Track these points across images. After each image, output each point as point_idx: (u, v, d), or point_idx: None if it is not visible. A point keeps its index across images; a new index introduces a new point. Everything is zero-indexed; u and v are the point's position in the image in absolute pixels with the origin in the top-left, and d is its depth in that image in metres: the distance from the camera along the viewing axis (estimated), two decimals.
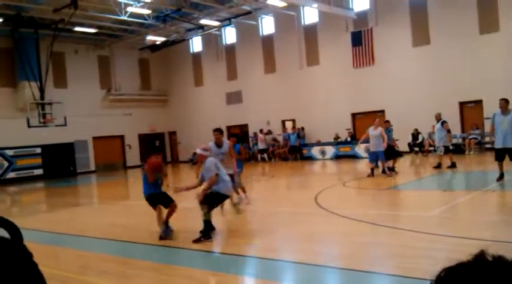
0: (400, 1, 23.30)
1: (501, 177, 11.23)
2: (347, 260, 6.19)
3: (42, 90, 25.73)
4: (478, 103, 21.10)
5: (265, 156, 26.52)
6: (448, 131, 15.63)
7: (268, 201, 12.29)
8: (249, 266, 6.49)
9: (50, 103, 25.98)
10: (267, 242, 7.47)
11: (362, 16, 24.43)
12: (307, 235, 7.90)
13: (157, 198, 8.38)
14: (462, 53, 21.32)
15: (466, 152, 20.36)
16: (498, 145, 11.11)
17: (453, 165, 15.11)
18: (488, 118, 20.23)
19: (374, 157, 14.39)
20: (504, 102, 10.97)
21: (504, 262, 0.89)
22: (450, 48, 21.62)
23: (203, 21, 26.45)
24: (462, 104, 21.92)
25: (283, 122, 27.92)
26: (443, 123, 15.31)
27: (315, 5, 22.70)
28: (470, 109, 21.81)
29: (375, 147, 14.08)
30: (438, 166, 15.19)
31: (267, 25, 28.54)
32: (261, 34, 28.77)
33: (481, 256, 0.91)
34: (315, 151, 24.62)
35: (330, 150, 23.93)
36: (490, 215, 8.43)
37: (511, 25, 20.18)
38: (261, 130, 27.08)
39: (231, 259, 6.79)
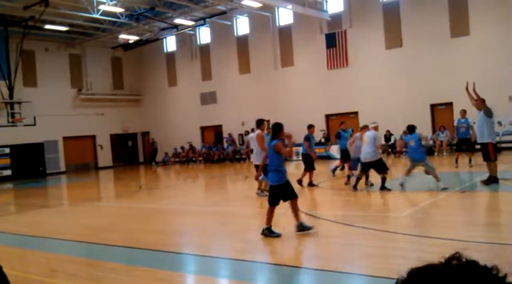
0: (374, 4, 23.59)
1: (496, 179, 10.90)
2: (321, 261, 6.17)
3: (11, 89, 25.11)
4: (449, 105, 21.48)
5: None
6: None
7: (242, 202, 12.23)
8: (221, 268, 6.42)
9: (19, 103, 25.39)
10: (241, 243, 7.41)
11: (336, 18, 24.63)
12: (281, 236, 7.87)
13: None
14: (433, 56, 21.70)
15: (436, 154, 20.69)
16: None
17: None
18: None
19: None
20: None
21: (476, 267, 0.85)
22: (422, 51, 21.98)
23: (177, 21, 26.24)
24: (433, 106, 22.30)
25: None
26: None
27: (290, 6, 22.77)
28: (441, 112, 22.20)
29: None
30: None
31: (242, 25, 28.49)
32: (235, 34, 28.70)
33: (453, 259, 0.88)
34: None
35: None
36: (461, 216, 8.56)
37: (481, 29, 20.64)
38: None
39: (202, 261, 6.70)
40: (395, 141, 21.93)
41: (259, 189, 11.94)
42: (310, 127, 14.02)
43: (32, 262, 7.26)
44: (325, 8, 24.82)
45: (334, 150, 22.63)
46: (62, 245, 8.33)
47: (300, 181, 13.15)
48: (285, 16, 26.60)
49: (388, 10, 23.27)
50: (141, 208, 12.57)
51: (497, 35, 20.27)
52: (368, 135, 11.70)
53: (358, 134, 12.66)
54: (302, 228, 7.38)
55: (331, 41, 24.75)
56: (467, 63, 20.80)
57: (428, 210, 9.22)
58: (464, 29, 21.14)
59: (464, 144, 15.46)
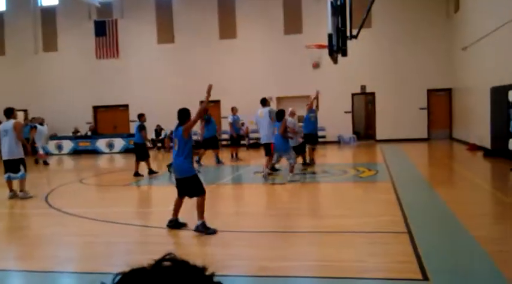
0: None
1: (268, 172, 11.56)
2: (79, 263, 5.56)
3: None
4: (217, 103, 22.48)
5: None
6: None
7: None
8: None
9: None
10: None
11: (107, 6, 23.45)
12: (34, 238, 6.90)
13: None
14: (203, 55, 22.46)
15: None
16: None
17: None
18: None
19: None
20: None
21: (186, 268, 0.85)
22: (193, 48, 22.55)
23: None
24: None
25: None
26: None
27: None
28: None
29: None
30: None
31: None
32: None
33: (164, 260, 0.86)
34: (51, 145, 22.47)
35: (68, 145, 22.18)
36: (223, 207, 8.83)
37: (246, 33, 22.15)
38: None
39: None
40: (165, 136, 21.97)
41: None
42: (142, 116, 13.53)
43: None
44: None
45: (103, 144, 21.61)
46: None
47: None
48: None
49: (160, 5, 23.18)
50: None
51: (259, 40, 22.05)
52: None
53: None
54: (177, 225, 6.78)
55: (101, 29, 23.49)
56: (234, 63, 22.13)
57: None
58: (232, 32, 22.42)
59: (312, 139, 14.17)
